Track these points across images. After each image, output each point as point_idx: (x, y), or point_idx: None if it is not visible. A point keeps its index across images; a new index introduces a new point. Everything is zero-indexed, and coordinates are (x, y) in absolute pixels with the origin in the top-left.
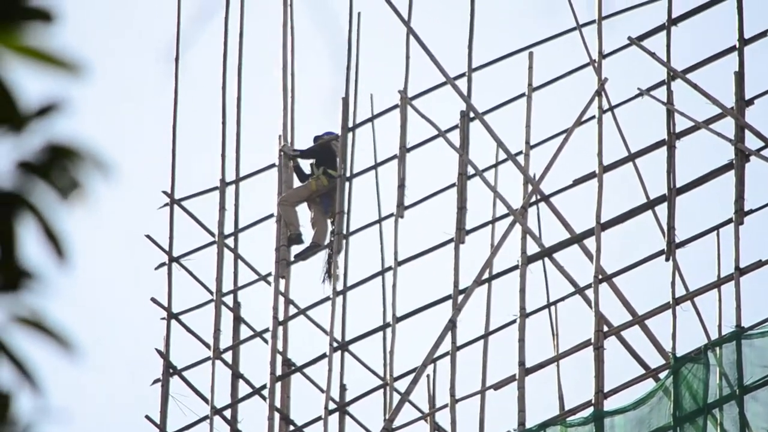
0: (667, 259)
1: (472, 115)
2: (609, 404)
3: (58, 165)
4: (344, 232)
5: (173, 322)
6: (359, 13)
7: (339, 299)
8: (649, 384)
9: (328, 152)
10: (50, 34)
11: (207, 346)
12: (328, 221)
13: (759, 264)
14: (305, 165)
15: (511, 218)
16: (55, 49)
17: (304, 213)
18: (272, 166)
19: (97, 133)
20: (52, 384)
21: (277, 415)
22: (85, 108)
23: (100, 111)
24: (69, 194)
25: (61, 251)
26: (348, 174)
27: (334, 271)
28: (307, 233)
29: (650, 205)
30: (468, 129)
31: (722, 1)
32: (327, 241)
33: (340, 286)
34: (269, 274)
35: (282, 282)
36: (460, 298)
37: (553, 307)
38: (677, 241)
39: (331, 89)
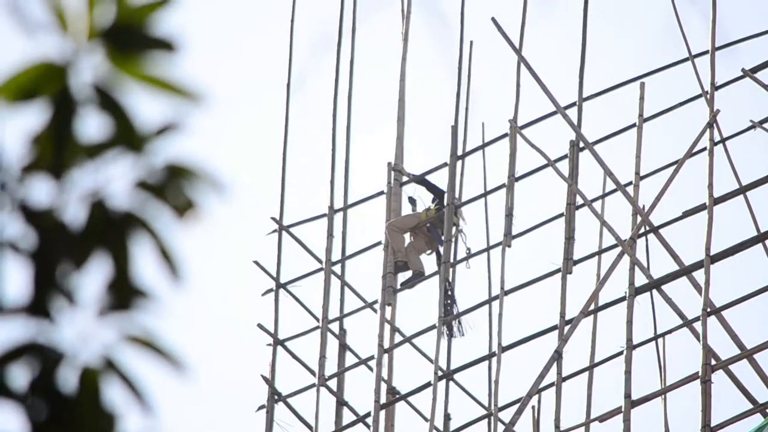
0: None
1: (581, 144)
2: None
3: (174, 185)
4: (451, 260)
5: (279, 348)
6: (471, 42)
7: (445, 328)
8: (757, 419)
9: (441, 197)
10: (172, 63)
11: (312, 372)
12: (425, 254)
13: None
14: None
15: (619, 249)
16: (176, 78)
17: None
18: (381, 193)
19: (210, 157)
20: (162, 405)
21: None
22: (200, 132)
23: (213, 136)
24: (185, 214)
25: (175, 271)
26: (456, 203)
27: (447, 302)
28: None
29: (761, 238)
30: (577, 159)
31: None
32: (428, 271)
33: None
34: (375, 302)
35: (388, 309)
36: (567, 328)
37: (660, 340)
38: None
39: (443, 118)
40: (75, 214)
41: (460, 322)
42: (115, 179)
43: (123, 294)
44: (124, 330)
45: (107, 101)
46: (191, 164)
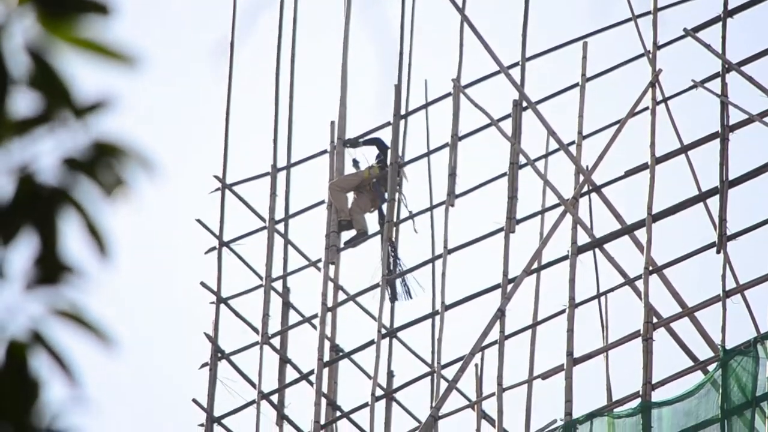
0: (718, 252)
1: (524, 104)
2: (657, 396)
3: (103, 162)
4: (394, 219)
5: (222, 306)
6: (414, 0)
7: (388, 290)
8: (698, 376)
9: (384, 151)
10: (106, 27)
11: (255, 331)
12: (369, 212)
13: None
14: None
15: (562, 208)
16: (110, 42)
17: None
18: (324, 152)
19: (151, 121)
20: (92, 374)
21: (323, 401)
22: (140, 96)
23: (154, 99)
24: (113, 191)
25: (103, 247)
26: (400, 161)
27: (393, 261)
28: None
29: (702, 197)
30: (520, 118)
31: None
32: (370, 230)
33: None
34: (319, 260)
35: (331, 268)
36: (510, 287)
37: (602, 298)
38: (729, 233)
39: (384, 77)
40: (3, 189)
41: (405, 282)
42: (44, 155)
43: (51, 269)
44: (51, 304)
45: (40, 66)
46: (120, 141)
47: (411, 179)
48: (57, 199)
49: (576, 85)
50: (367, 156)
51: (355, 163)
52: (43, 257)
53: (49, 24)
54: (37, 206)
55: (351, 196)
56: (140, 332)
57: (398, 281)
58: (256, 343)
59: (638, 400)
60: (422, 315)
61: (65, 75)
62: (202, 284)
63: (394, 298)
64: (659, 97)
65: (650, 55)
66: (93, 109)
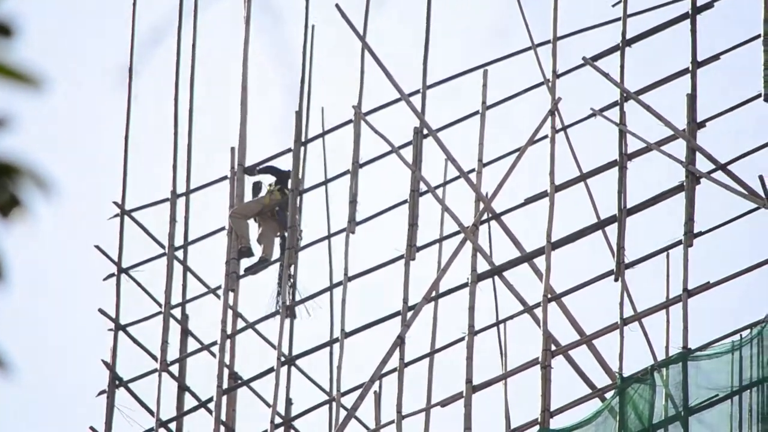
0: (616, 280)
1: (425, 131)
2: (555, 423)
3: None
4: (296, 246)
5: (120, 333)
6: (313, 26)
7: (287, 314)
8: (596, 404)
9: (286, 177)
10: (9, 48)
11: (154, 358)
12: (276, 238)
13: (707, 286)
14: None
15: (462, 236)
16: (13, 62)
17: (252, 228)
18: (224, 178)
19: (49, 144)
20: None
21: (222, 429)
22: (39, 120)
23: (52, 122)
24: (9, 212)
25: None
26: (300, 189)
27: (292, 288)
28: (257, 248)
29: (601, 225)
30: (421, 145)
31: (676, 23)
32: (275, 257)
33: (298, 300)
34: (218, 287)
35: (231, 295)
36: (409, 314)
37: (501, 326)
38: (626, 261)
39: (285, 103)
40: None
41: (304, 306)
42: None
43: None
44: None
45: None
46: (16, 161)
47: (311, 207)
48: None
49: (476, 112)
50: (265, 180)
51: (256, 187)
52: None
53: None
54: None
55: (253, 223)
56: (37, 358)
57: (295, 297)
58: (155, 371)
59: (537, 428)
60: (322, 342)
61: None
62: (100, 311)
63: (293, 316)
64: (558, 125)
65: (550, 84)
66: None
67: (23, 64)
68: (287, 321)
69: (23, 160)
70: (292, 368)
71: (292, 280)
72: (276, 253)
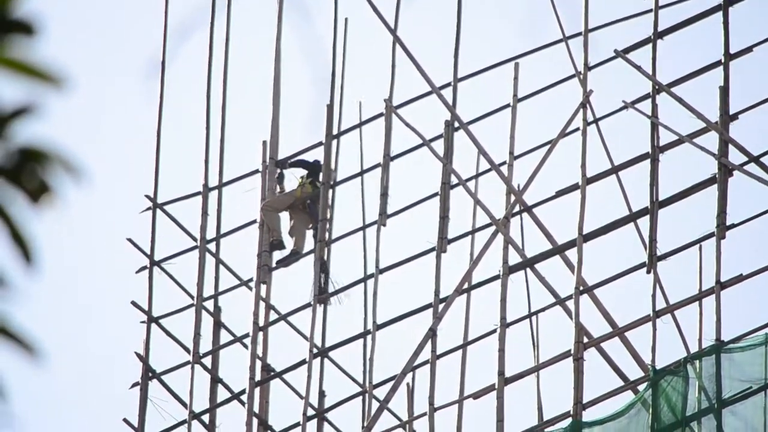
0: (648, 272)
1: (456, 124)
2: (587, 415)
3: (28, 168)
4: (327, 239)
5: (153, 326)
6: (346, 20)
7: (319, 305)
8: (628, 396)
9: (316, 169)
10: (32, 47)
11: (186, 350)
12: (308, 231)
13: (740, 278)
14: (289, 179)
15: (493, 228)
16: (36, 61)
17: (284, 221)
18: (256, 171)
19: (82, 137)
20: (19, 390)
21: (255, 421)
22: (71, 114)
23: (85, 117)
24: (39, 198)
25: (29, 256)
26: (332, 182)
27: (325, 280)
28: (288, 241)
29: (632, 217)
30: (452, 138)
31: (708, 15)
32: (306, 250)
33: (331, 292)
34: (250, 280)
35: (263, 287)
36: (441, 306)
37: (533, 318)
38: (659, 254)
39: (317, 97)
40: None
41: (336, 297)
42: None
43: None
44: None
45: None
46: (46, 147)
47: (344, 200)
48: None
49: (507, 105)
50: (295, 173)
51: (279, 177)
52: None
53: None
54: None
55: (286, 216)
56: (70, 351)
57: (328, 287)
58: (188, 363)
59: (569, 420)
60: (354, 335)
61: None
62: (133, 303)
63: (326, 304)
64: (590, 118)
65: (581, 76)
66: (17, 115)
67: (45, 63)
68: (320, 313)
69: (53, 147)
70: (325, 360)
71: (324, 272)
72: (308, 245)
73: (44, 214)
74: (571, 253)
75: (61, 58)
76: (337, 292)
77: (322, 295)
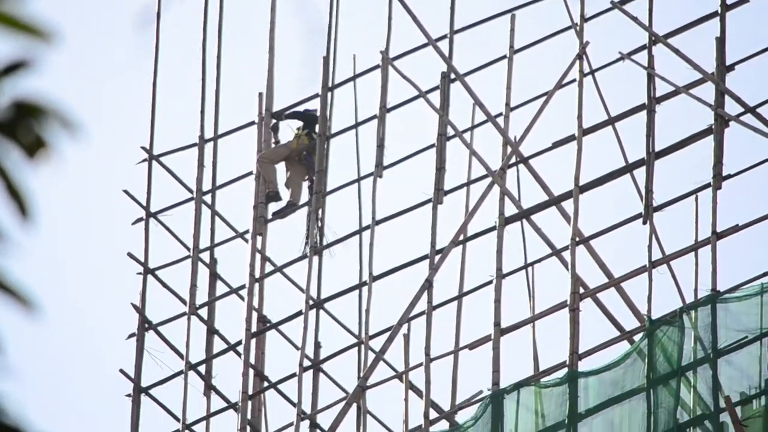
0: (644, 223)
1: (452, 76)
2: (583, 365)
3: (24, 123)
4: (323, 191)
5: (149, 277)
6: None
7: (315, 257)
8: (624, 346)
9: (312, 120)
10: (22, 2)
11: (183, 301)
12: (304, 182)
13: (736, 228)
14: (285, 130)
15: (489, 179)
16: (26, 16)
17: (280, 173)
18: (252, 123)
19: (77, 89)
20: (15, 341)
21: (251, 372)
22: (66, 67)
23: (81, 69)
24: (35, 152)
25: (25, 210)
26: (328, 133)
27: (319, 231)
28: (284, 192)
29: (629, 168)
30: (448, 90)
31: None
32: (302, 201)
33: (326, 243)
34: (246, 231)
35: (259, 239)
36: (437, 258)
37: (529, 269)
38: (655, 204)
39: (312, 50)
40: None
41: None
42: None
43: None
44: None
45: None
46: (41, 102)
47: (339, 151)
48: None
49: (504, 57)
50: (291, 124)
51: (274, 128)
52: None
53: None
54: None
55: (282, 167)
56: (66, 302)
57: (319, 235)
58: (184, 314)
59: (565, 370)
60: (350, 286)
61: None
62: (129, 255)
63: (319, 256)
64: (586, 69)
65: (577, 28)
66: (11, 70)
67: (35, 17)
68: (315, 264)
69: (48, 101)
70: (321, 311)
71: (320, 223)
72: (304, 197)
73: (40, 168)
74: (567, 204)
75: (55, 10)
76: (331, 245)
77: (317, 248)
